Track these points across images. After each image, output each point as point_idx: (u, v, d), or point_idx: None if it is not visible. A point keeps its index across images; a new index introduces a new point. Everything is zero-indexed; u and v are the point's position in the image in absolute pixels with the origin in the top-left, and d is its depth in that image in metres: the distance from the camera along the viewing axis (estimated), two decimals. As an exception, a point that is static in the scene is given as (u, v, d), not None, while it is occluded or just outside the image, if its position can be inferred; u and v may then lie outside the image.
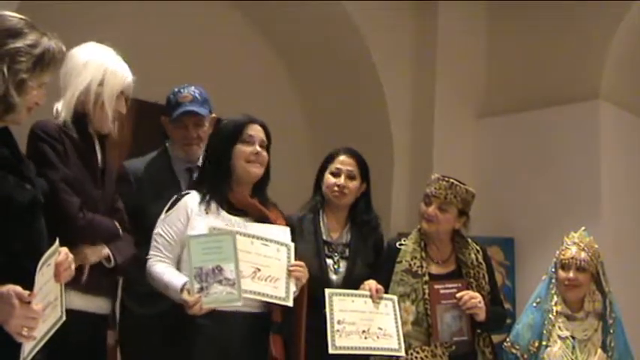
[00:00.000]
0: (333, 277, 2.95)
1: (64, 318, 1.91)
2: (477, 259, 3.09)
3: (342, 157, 3.07)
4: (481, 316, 2.93)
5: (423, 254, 3.05)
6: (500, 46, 5.38)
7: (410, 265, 3.01)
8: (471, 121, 5.38)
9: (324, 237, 3.02)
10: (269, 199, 2.80)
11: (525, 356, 3.09)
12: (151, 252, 2.61)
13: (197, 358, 2.48)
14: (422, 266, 3.01)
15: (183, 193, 2.69)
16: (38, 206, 1.95)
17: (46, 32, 1.95)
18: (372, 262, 3.04)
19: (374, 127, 5.21)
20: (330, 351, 2.69)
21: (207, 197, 2.64)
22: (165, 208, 2.65)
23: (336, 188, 3.02)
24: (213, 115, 3.09)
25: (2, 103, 1.87)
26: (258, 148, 2.69)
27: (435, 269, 3.06)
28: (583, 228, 3.20)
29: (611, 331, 3.06)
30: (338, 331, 2.73)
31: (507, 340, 3.17)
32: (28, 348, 1.76)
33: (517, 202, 5.01)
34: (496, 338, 3.15)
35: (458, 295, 2.92)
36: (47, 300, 1.83)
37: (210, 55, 4.97)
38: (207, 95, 3.10)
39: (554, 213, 4.71)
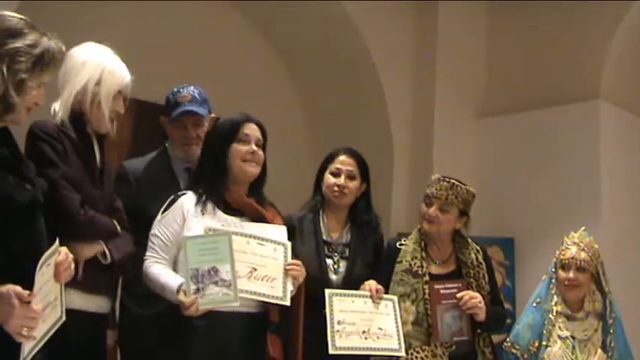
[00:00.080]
0: (333, 277, 2.95)
1: (63, 318, 1.91)
2: (477, 259, 3.09)
3: (342, 157, 3.07)
4: (481, 316, 2.93)
5: (424, 254, 3.05)
6: (500, 46, 5.38)
7: (410, 265, 3.01)
8: (471, 121, 5.38)
9: (324, 237, 3.02)
10: (266, 198, 2.79)
11: (525, 356, 3.08)
12: (147, 253, 2.61)
13: (194, 358, 2.47)
14: (422, 266, 3.01)
15: (179, 193, 2.68)
16: (38, 206, 1.95)
17: (46, 32, 1.95)
18: (372, 262, 3.04)
19: (374, 127, 5.21)
20: (330, 351, 2.69)
21: (204, 197, 2.63)
22: (162, 209, 2.64)
23: (336, 188, 3.02)
24: (213, 114, 3.09)
25: (2, 103, 1.86)
26: (255, 147, 2.68)
27: (435, 269, 3.06)
28: (583, 228, 3.20)
29: (611, 331, 3.06)
30: (338, 331, 2.73)
31: (507, 340, 3.17)
32: (28, 348, 1.76)
33: (517, 202, 5.01)
34: (496, 338, 3.15)
35: (458, 295, 2.92)
36: (47, 300, 1.83)
37: (210, 55, 4.97)
38: (207, 95, 3.10)
39: (554, 213, 4.71)
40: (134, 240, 2.61)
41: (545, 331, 3.06)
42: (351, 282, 2.92)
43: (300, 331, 2.69)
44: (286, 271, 2.59)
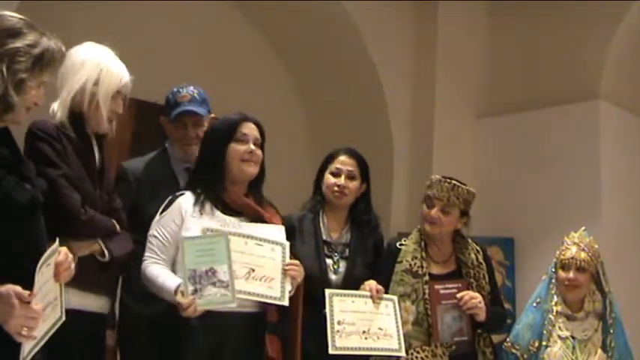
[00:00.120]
0: (333, 277, 2.95)
1: (63, 318, 1.91)
2: (477, 259, 3.09)
3: (343, 158, 3.07)
4: (481, 316, 2.93)
5: (424, 254, 3.04)
6: (500, 46, 5.38)
7: (410, 265, 3.01)
8: (471, 121, 5.38)
9: (324, 237, 3.02)
10: (264, 198, 2.79)
11: (525, 356, 3.08)
12: (145, 253, 2.60)
13: (193, 358, 2.47)
14: (422, 266, 3.01)
15: (177, 193, 2.67)
16: (38, 206, 1.95)
17: (45, 32, 1.94)
18: (372, 263, 3.04)
19: (374, 127, 5.21)
20: (331, 351, 2.69)
21: (202, 197, 2.63)
22: (160, 210, 2.64)
23: (336, 188, 3.02)
24: (212, 114, 3.09)
25: (1, 102, 1.86)
26: (253, 147, 2.67)
27: (435, 269, 3.06)
28: (583, 228, 3.20)
29: (611, 331, 3.06)
30: (338, 331, 2.73)
31: (507, 340, 3.17)
32: (28, 348, 1.76)
33: (517, 202, 5.01)
34: (496, 338, 3.15)
35: (458, 295, 2.92)
36: (47, 300, 1.83)
37: (210, 55, 4.97)
38: (206, 95, 3.10)
39: (554, 213, 4.71)
40: (134, 239, 2.61)
41: (545, 331, 3.06)
42: (351, 282, 2.92)
43: (299, 331, 2.69)
44: (284, 272, 2.59)
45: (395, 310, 2.87)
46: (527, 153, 5.06)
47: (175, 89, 3.09)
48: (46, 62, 1.93)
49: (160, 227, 2.61)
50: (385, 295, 2.89)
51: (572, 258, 3.09)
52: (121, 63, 2.59)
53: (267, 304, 2.57)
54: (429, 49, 5.29)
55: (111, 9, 4.43)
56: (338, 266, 2.98)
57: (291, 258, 2.65)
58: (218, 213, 2.62)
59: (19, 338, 1.73)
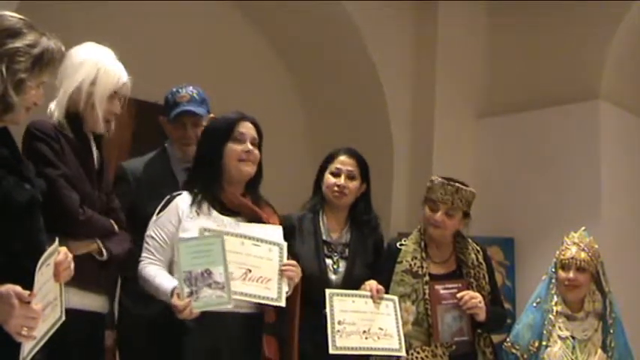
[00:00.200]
0: (333, 276, 2.95)
1: (63, 318, 1.91)
2: (477, 259, 3.09)
3: (343, 158, 3.07)
4: (481, 316, 2.93)
5: (424, 254, 3.04)
6: (500, 46, 5.38)
7: (410, 265, 3.01)
8: (471, 121, 5.38)
9: (324, 237, 3.01)
10: (262, 197, 2.78)
11: (525, 356, 3.08)
12: (142, 254, 2.59)
13: (190, 358, 2.46)
14: (422, 266, 3.01)
15: (174, 194, 2.66)
16: (37, 206, 1.95)
17: (45, 32, 1.94)
18: (372, 263, 3.04)
19: (374, 127, 5.21)
20: (331, 351, 2.69)
21: (199, 197, 2.62)
22: (157, 210, 2.63)
23: (336, 188, 3.02)
24: (212, 115, 3.08)
25: (1, 102, 1.86)
26: (250, 147, 2.66)
27: (435, 269, 3.05)
28: (583, 228, 3.20)
29: (611, 331, 3.06)
30: (338, 331, 2.73)
31: (507, 340, 3.17)
32: (28, 348, 1.76)
33: (517, 202, 5.01)
34: (496, 338, 3.15)
35: (458, 295, 2.92)
36: (47, 300, 1.83)
37: (210, 54, 4.97)
38: (206, 95, 3.10)
39: (554, 213, 4.71)
40: (133, 239, 2.61)
41: (545, 331, 3.06)
42: (351, 282, 2.92)
43: (296, 332, 2.68)
44: (281, 272, 2.58)
45: (395, 310, 2.87)
46: (527, 153, 5.06)
47: (175, 89, 3.09)
48: (46, 62, 1.93)
49: (157, 228, 2.60)
50: (385, 295, 2.89)
51: (572, 258, 3.09)
52: (120, 64, 2.58)
53: (264, 304, 2.56)
54: (429, 49, 5.29)
55: (111, 9, 4.43)
56: (337, 266, 2.98)
57: (288, 258, 2.64)
58: (215, 213, 2.61)
59: (19, 338, 1.73)
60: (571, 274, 3.07)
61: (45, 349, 1.85)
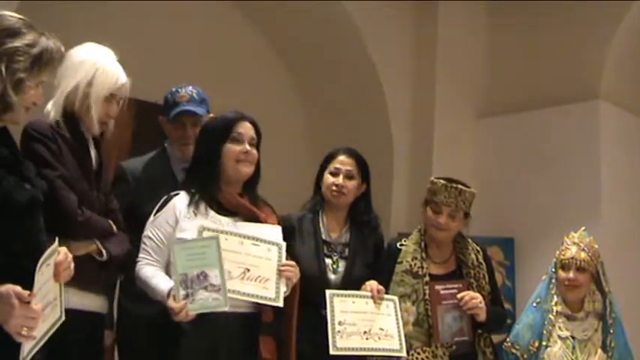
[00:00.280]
0: (332, 276, 2.94)
1: (63, 318, 1.91)
2: (477, 259, 3.09)
3: (342, 157, 3.07)
4: (482, 316, 2.93)
5: (424, 255, 3.04)
6: (500, 46, 5.38)
7: (410, 265, 3.01)
8: (471, 121, 5.38)
9: (324, 237, 3.01)
10: (260, 197, 2.77)
11: (525, 356, 3.08)
12: (139, 255, 2.59)
13: (188, 358, 2.46)
14: (422, 267, 3.01)
15: (172, 194, 2.65)
16: (37, 206, 1.95)
17: (44, 32, 1.95)
18: (372, 263, 3.03)
19: (374, 127, 5.21)
20: (331, 352, 2.68)
21: (196, 198, 2.61)
22: (154, 210, 2.62)
23: (334, 188, 3.02)
24: (211, 114, 3.08)
25: (0, 102, 1.87)
26: (248, 147, 2.65)
27: (435, 270, 3.05)
28: (583, 228, 3.20)
29: (611, 331, 3.06)
30: (339, 332, 2.72)
31: (507, 340, 3.17)
32: (28, 348, 1.76)
33: (517, 202, 5.01)
34: (496, 338, 3.15)
35: (459, 295, 2.91)
36: (47, 300, 1.83)
37: (210, 55, 4.97)
38: (205, 95, 3.10)
39: (554, 213, 4.71)
40: (132, 240, 2.61)
41: (545, 331, 3.06)
42: (350, 282, 2.92)
43: (294, 332, 2.68)
44: (280, 272, 2.57)
45: (396, 311, 2.86)
46: (527, 153, 5.06)
47: (174, 89, 3.09)
48: (45, 62, 1.93)
49: (154, 228, 2.59)
50: (386, 296, 2.88)
51: (572, 258, 3.08)
52: (119, 65, 2.57)
53: (262, 304, 2.55)
54: (429, 49, 5.29)
55: (111, 9, 4.43)
56: (337, 266, 2.97)
57: (287, 258, 2.64)
58: (212, 213, 2.60)
59: (18, 338, 1.73)
60: (571, 274, 3.07)
61: (45, 349, 1.85)
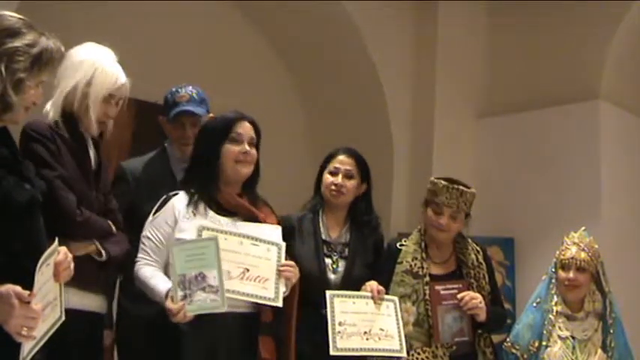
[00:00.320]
0: (332, 276, 2.94)
1: (63, 318, 1.91)
2: (477, 259, 3.09)
3: (341, 157, 3.07)
4: (482, 316, 2.93)
5: (424, 255, 3.04)
6: (500, 46, 5.38)
7: (410, 265, 3.01)
8: (471, 121, 5.38)
9: (323, 236, 3.01)
10: (259, 197, 2.77)
11: (525, 356, 3.08)
12: (138, 255, 2.58)
13: (187, 358, 2.45)
14: (422, 267, 3.00)
15: (170, 194, 2.65)
16: (37, 206, 1.95)
17: (44, 32, 1.95)
18: (371, 263, 3.03)
19: (374, 127, 5.20)
20: (332, 352, 2.68)
21: (195, 198, 2.61)
22: (153, 210, 2.62)
23: (333, 187, 3.02)
24: (211, 115, 3.08)
25: (0, 102, 1.87)
26: (247, 147, 2.65)
27: (435, 270, 3.05)
28: (583, 228, 3.20)
29: (611, 331, 3.06)
30: (339, 332, 2.72)
31: (507, 340, 3.17)
32: (28, 348, 1.76)
33: (517, 202, 5.01)
34: (496, 338, 3.15)
35: (459, 295, 2.91)
36: (47, 300, 1.83)
37: (210, 55, 4.97)
38: (205, 95, 3.10)
39: (554, 213, 4.71)
40: (131, 240, 2.60)
41: (545, 331, 3.06)
42: (350, 282, 2.92)
43: (293, 332, 2.68)
44: (279, 272, 2.57)
45: (396, 311, 2.86)
46: (527, 153, 5.06)
47: (174, 89, 3.09)
48: (45, 62, 1.93)
49: (153, 228, 2.59)
50: (386, 296, 2.88)
51: (572, 258, 3.08)
52: (118, 66, 2.57)
53: (261, 304, 2.55)
54: (429, 49, 5.29)
55: (111, 9, 4.43)
56: (337, 266, 2.97)
57: (287, 259, 2.64)
58: (212, 213, 2.60)
59: (18, 338, 1.73)
60: (571, 274, 3.07)
61: (45, 349, 1.85)
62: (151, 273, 2.53)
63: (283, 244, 2.64)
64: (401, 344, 2.80)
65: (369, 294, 2.84)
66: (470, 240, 3.15)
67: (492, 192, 4.79)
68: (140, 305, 2.68)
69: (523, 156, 5.08)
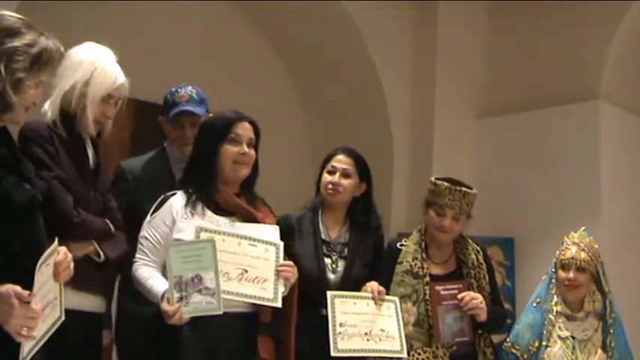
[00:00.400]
0: (331, 276, 2.94)
1: (63, 318, 1.91)
2: (477, 259, 3.09)
3: (339, 156, 3.06)
4: (482, 316, 2.93)
5: (424, 255, 3.04)
6: (501, 46, 5.37)
7: (411, 266, 3.01)
8: (471, 121, 5.38)
9: (323, 236, 3.01)
10: (257, 197, 2.77)
11: (525, 356, 3.08)
12: (136, 255, 2.58)
13: (186, 358, 2.45)
14: (423, 267, 3.00)
15: (168, 194, 2.64)
16: (37, 206, 1.95)
17: (44, 32, 1.95)
18: (371, 263, 3.03)
19: (374, 127, 5.20)
20: (333, 354, 2.68)
21: (193, 197, 2.60)
22: (151, 210, 2.62)
23: (330, 186, 3.01)
24: (211, 115, 3.08)
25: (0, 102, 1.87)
26: (246, 149, 2.65)
27: (435, 270, 3.05)
28: (583, 228, 3.20)
29: (611, 331, 3.06)
30: (340, 333, 2.72)
31: (507, 340, 3.17)
32: (28, 348, 1.76)
33: (517, 202, 5.01)
34: (496, 338, 3.15)
35: (459, 295, 2.91)
36: (46, 300, 1.83)
37: (210, 54, 4.97)
38: (205, 95, 3.10)
39: (554, 213, 4.71)
40: (130, 239, 2.60)
41: (545, 331, 3.06)
42: (349, 281, 2.91)
43: (293, 332, 2.68)
44: (278, 272, 2.57)
45: (397, 312, 2.86)
46: (527, 153, 5.06)
47: (174, 89, 3.09)
48: (44, 62, 1.93)
49: (151, 229, 2.59)
50: (387, 297, 2.88)
51: (572, 258, 3.08)
52: (117, 66, 2.57)
53: (260, 305, 2.55)
54: (429, 49, 5.29)
55: (111, 9, 4.43)
56: (336, 266, 2.97)
57: (285, 259, 2.63)
58: (209, 213, 2.60)
59: (18, 338, 1.73)
60: (571, 274, 3.07)
61: (44, 349, 1.85)
62: (148, 273, 2.53)
63: (281, 244, 2.64)
64: (402, 345, 2.80)
65: (370, 294, 2.84)
66: (470, 240, 3.15)
67: (492, 192, 4.78)
68: (140, 305, 2.67)
69: (523, 156, 5.08)
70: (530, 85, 5.14)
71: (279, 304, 2.54)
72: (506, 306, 4.09)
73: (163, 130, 3.12)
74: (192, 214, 2.57)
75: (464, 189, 2.99)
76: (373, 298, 2.84)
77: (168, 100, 3.08)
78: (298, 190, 3.29)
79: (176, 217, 2.56)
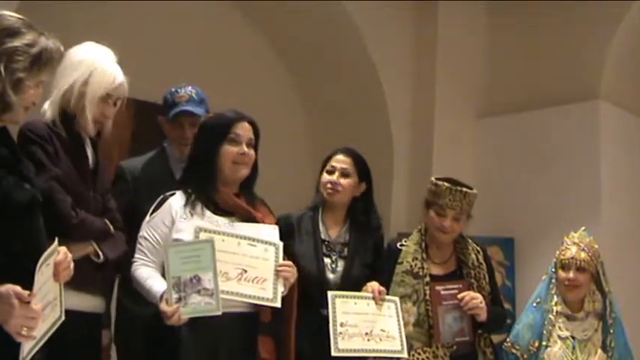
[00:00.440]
0: (331, 276, 2.94)
1: (63, 317, 1.91)
2: (477, 259, 3.09)
3: (339, 156, 3.06)
4: (482, 316, 2.93)
5: (424, 255, 3.04)
6: (500, 46, 5.37)
7: (411, 266, 3.00)
8: (471, 121, 5.38)
9: (323, 236, 3.01)
10: (257, 197, 2.77)
11: (525, 356, 3.08)
12: (135, 255, 2.58)
13: (186, 358, 2.45)
14: (423, 267, 3.00)
15: (167, 194, 2.64)
16: (37, 206, 1.95)
17: (44, 32, 1.95)
18: (371, 263, 3.03)
19: (374, 127, 5.20)
20: (333, 354, 2.68)
21: (192, 198, 2.60)
22: (150, 210, 2.61)
23: (329, 185, 3.01)
24: (211, 115, 3.08)
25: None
26: (245, 149, 2.65)
27: (435, 270, 3.05)
28: (583, 228, 3.20)
29: (611, 331, 3.06)
30: (341, 333, 2.72)
31: (507, 340, 3.17)
32: (28, 348, 1.76)
33: (517, 202, 5.01)
34: (496, 338, 3.15)
35: (459, 295, 2.91)
36: (46, 300, 1.83)
37: (210, 55, 4.97)
38: (205, 95, 3.10)
39: (554, 213, 4.71)
40: (129, 239, 2.60)
41: (545, 331, 3.06)
42: (349, 281, 2.91)
43: (293, 332, 2.68)
44: (277, 272, 2.57)
45: (397, 312, 2.86)
46: (527, 153, 5.06)
47: (173, 89, 3.09)
48: (44, 62, 1.93)
49: (150, 229, 2.58)
50: (387, 297, 2.88)
51: (572, 258, 3.08)
52: (117, 66, 2.57)
53: (260, 305, 2.55)
54: (429, 49, 5.29)
55: (111, 9, 4.43)
56: (336, 265, 2.97)
57: (285, 258, 2.63)
58: (209, 213, 2.59)
59: (18, 338, 1.73)
60: (571, 274, 3.07)
61: (44, 349, 1.85)
62: (147, 274, 2.53)
63: (280, 244, 2.64)
64: (402, 345, 2.80)
65: (370, 294, 2.84)
66: (470, 240, 3.14)
67: (492, 192, 4.78)
68: (139, 305, 2.67)
69: (523, 156, 5.07)
70: (530, 85, 5.14)
71: (278, 304, 2.54)
72: (506, 306, 4.09)
73: (163, 130, 3.12)
74: (192, 214, 2.57)
75: (464, 189, 2.99)
76: (374, 298, 2.83)
77: (167, 100, 3.08)
78: (298, 190, 3.29)
79: (175, 217, 2.56)
